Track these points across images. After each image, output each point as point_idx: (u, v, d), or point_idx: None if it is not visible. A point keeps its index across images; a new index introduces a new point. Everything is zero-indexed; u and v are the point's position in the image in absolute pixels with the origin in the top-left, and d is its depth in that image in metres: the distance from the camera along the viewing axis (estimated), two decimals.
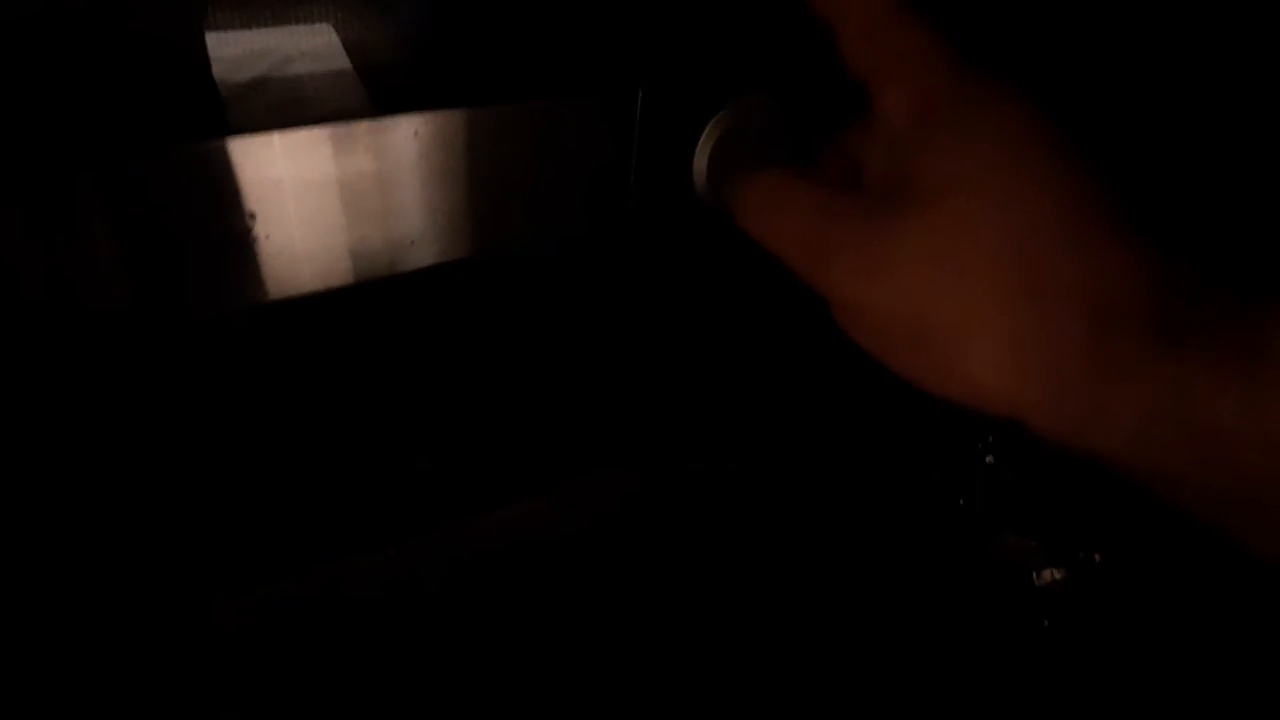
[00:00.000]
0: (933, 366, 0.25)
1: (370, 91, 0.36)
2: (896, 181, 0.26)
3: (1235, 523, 0.22)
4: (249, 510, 0.36)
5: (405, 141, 0.30)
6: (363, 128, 0.29)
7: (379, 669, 0.41)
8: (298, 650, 0.38)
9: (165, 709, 0.35)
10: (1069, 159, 0.24)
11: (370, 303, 0.34)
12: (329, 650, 0.39)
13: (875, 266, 0.25)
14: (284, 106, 0.35)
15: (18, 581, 0.32)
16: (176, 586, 0.35)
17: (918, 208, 0.25)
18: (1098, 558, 0.47)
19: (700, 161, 0.36)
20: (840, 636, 0.49)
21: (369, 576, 0.38)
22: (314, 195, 0.29)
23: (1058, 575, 0.47)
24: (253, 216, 0.27)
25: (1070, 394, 0.23)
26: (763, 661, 0.47)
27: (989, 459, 0.49)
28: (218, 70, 0.33)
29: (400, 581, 0.39)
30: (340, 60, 0.38)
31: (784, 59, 0.35)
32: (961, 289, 0.24)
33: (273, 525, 0.36)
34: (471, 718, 0.43)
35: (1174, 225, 0.24)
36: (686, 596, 0.47)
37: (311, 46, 0.39)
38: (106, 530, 0.34)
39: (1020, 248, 0.23)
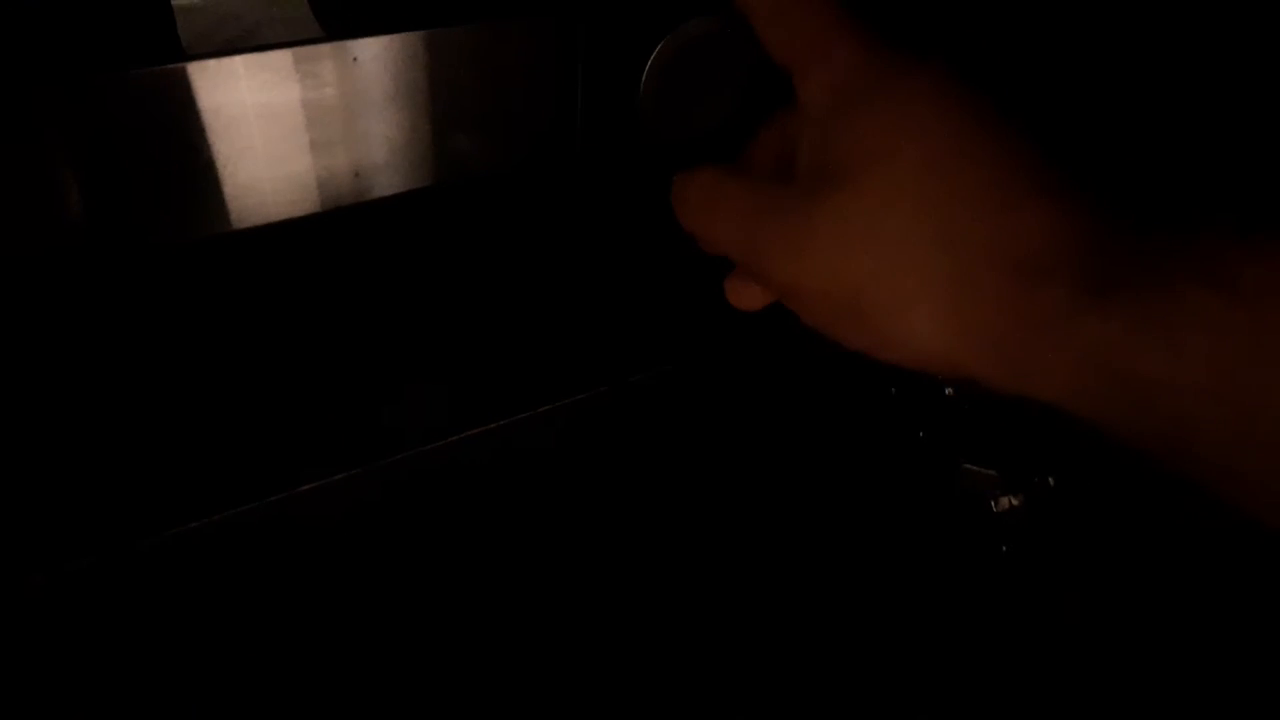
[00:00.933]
0: (874, 337, 0.26)
1: None
2: (820, 166, 0.27)
3: (1180, 467, 0.22)
4: (216, 438, 0.39)
5: (344, 68, 0.33)
6: (302, 54, 0.32)
7: (344, 589, 0.44)
8: (259, 571, 0.42)
9: (140, 634, 0.39)
10: (985, 118, 0.25)
11: (323, 232, 0.38)
12: (292, 572, 0.43)
13: (804, 251, 0.26)
14: None
15: None
16: (147, 509, 0.38)
17: (838, 187, 0.25)
18: (1052, 481, 0.47)
19: (648, 85, 0.37)
20: (800, 565, 0.51)
21: (332, 499, 0.41)
22: (254, 123, 0.32)
23: (1015, 502, 0.48)
24: (195, 146, 0.31)
25: (1003, 350, 0.23)
26: (723, 578, 0.49)
27: (948, 391, 0.50)
28: (182, 36, 0.37)
29: (366, 502, 0.42)
30: (311, 28, 0.42)
31: None
32: (887, 260, 0.25)
33: (230, 453, 0.40)
34: (436, 634, 0.46)
35: (1098, 174, 0.24)
36: (653, 511, 0.49)
37: (281, 14, 0.42)
38: (71, 456, 0.37)
39: (940, 212, 0.24)
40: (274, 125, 0.32)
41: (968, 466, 0.49)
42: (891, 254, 0.25)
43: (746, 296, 0.32)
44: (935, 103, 0.25)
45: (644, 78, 0.37)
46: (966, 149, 0.25)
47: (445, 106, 0.34)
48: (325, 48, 0.33)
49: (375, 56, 0.33)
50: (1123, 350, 0.21)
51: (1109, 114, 0.42)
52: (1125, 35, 0.42)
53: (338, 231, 0.38)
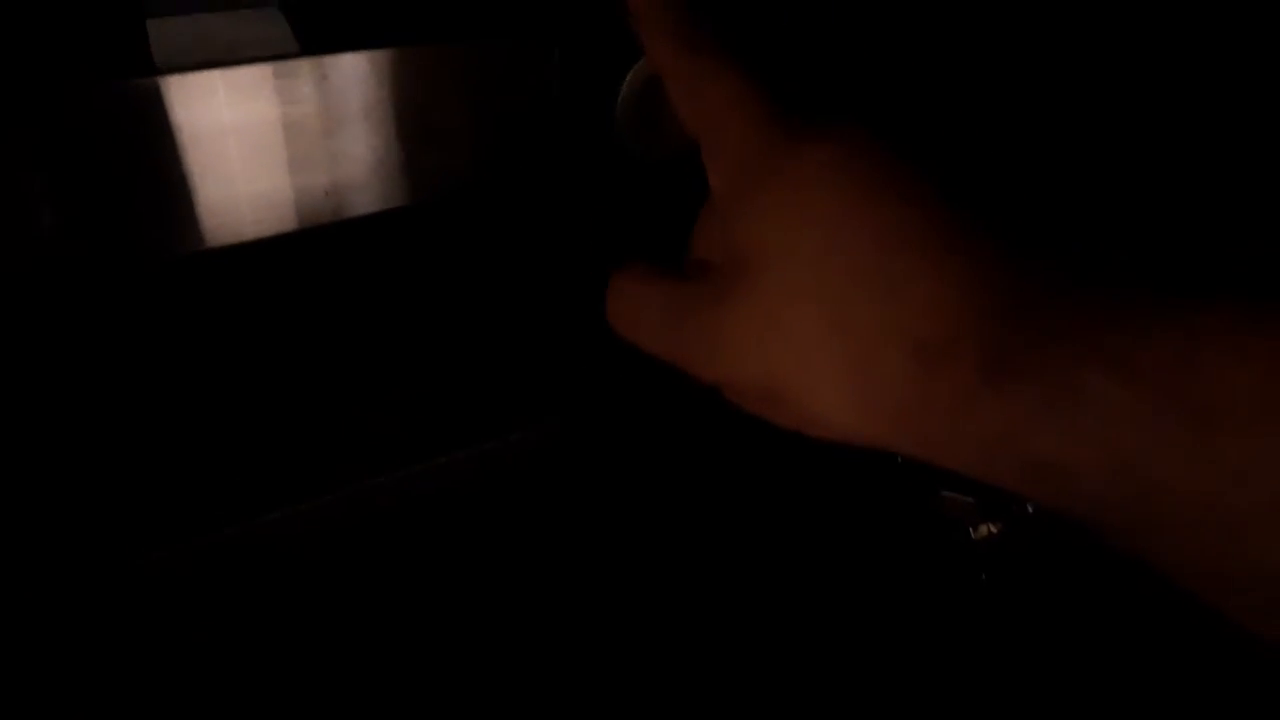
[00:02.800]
0: (797, 420, 0.26)
1: None
2: (725, 258, 0.27)
3: (1107, 541, 0.22)
4: (186, 459, 0.38)
5: (312, 85, 0.33)
6: (269, 70, 0.32)
7: (329, 615, 0.44)
8: (234, 599, 0.41)
9: (107, 661, 0.38)
10: (884, 191, 0.24)
11: (287, 252, 0.37)
12: (261, 600, 0.42)
13: (718, 348, 0.26)
14: None
15: None
16: (109, 537, 0.37)
17: (740, 282, 0.26)
18: (1030, 509, 0.47)
19: (623, 106, 0.37)
20: (777, 592, 0.50)
21: (293, 527, 0.41)
22: (223, 140, 0.32)
23: (994, 529, 0.48)
24: (165, 160, 0.31)
25: (909, 427, 0.23)
26: (698, 608, 0.49)
27: None
28: (158, 56, 0.36)
29: (326, 532, 0.42)
30: (290, 47, 0.42)
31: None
32: (792, 350, 0.25)
33: (204, 475, 0.39)
34: (422, 658, 0.46)
35: (1010, 233, 0.23)
36: (627, 538, 0.49)
37: (259, 34, 0.42)
38: (41, 480, 0.36)
39: (837, 297, 0.24)
40: (246, 142, 0.32)
41: (946, 494, 0.49)
42: (796, 343, 0.25)
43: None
44: (830, 182, 0.25)
45: (619, 100, 0.37)
46: (862, 228, 0.24)
47: (419, 126, 0.34)
48: (298, 64, 0.33)
49: (351, 74, 0.33)
50: (1023, 434, 0.21)
51: (1029, 168, 0.43)
52: (1043, 87, 0.42)
53: (309, 251, 0.37)
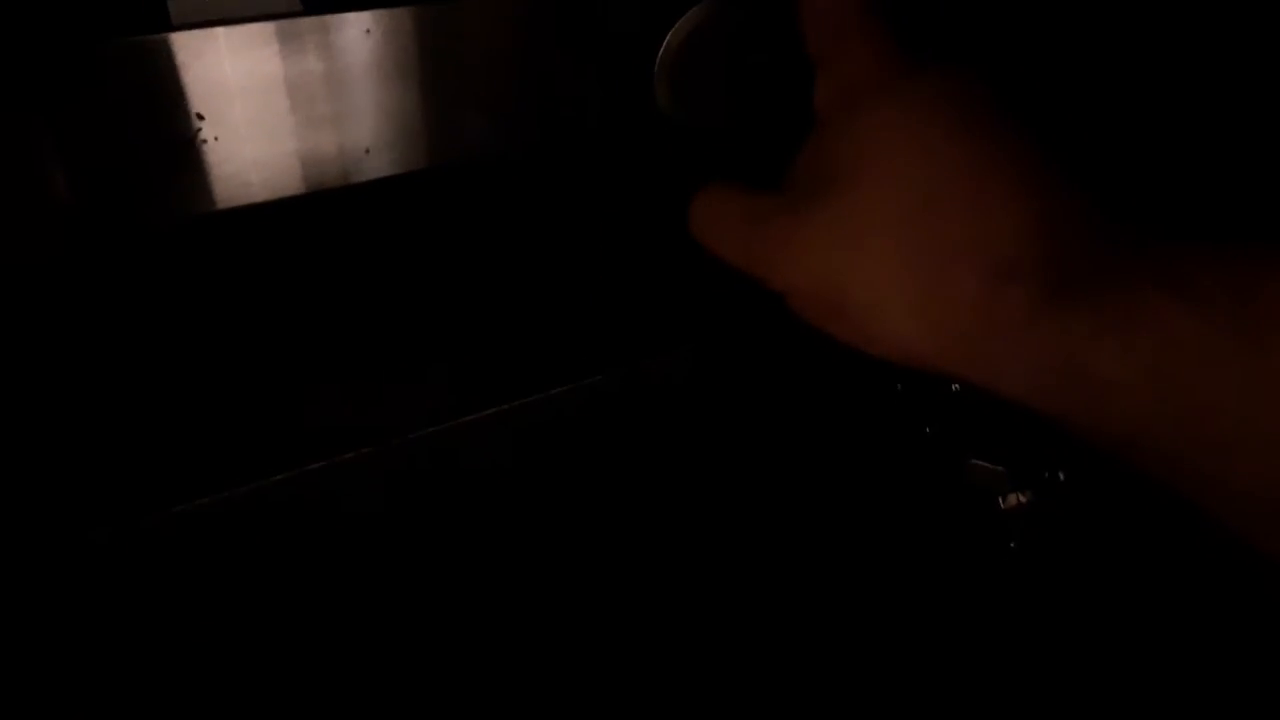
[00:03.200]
0: (858, 332, 0.27)
1: None
2: (817, 167, 0.28)
3: (1138, 464, 0.23)
4: (206, 421, 0.38)
5: (357, 40, 0.32)
6: (311, 24, 0.31)
7: (342, 575, 0.44)
8: (254, 555, 0.41)
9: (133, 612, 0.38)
10: (978, 125, 0.26)
11: (325, 212, 0.37)
12: (290, 557, 0.42)
13: (794, 253, 0.28)
14: None
15: None
16: (144, 492, 0.37)
17: (829, 195, 0.27)
18: (1062, 476, 0.47)
19: (663, 66, 0.36)
20: (806, 561, 0.50)
21: (337, 481, 0.41)
22: (262, 97, 0.31)
23: (1023, 498, 0.48)
24: (200, 117, 0.30)
25: (970, 347, 0.25)
26: (727, 572, 0.49)
27: (955, 386, 0.49)
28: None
29: (369, 486, 0.42)
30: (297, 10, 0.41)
31: None
32: (868, 263, 0.26)
33: (232, 434, 0.39)
34: (434, 625, 0.46)
35: (1085, 173, 0.25)
36: (657, 502, 0.49)
37: (272, 7, 0.41)
38: (67, 441, 0.36)
39: (921, 218, 0.25)
40: (266, 100, 0.31)
41: (975, 462, 0.49)
42: (870, 258, 0.26)
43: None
44: (933, 112, 0.26)
45: (657, 63, 0.36)
46: (957, 155, 0.25)
47: (455, 85, 0.33)
48: (314, 21, 0.32)
49: (383, 30, 0.32)
50: (1078, 351, 0.22)
51: (1106, 115, 0.42)
52: (1127, 41, 0.41)
53: (347, 210, 0.37)
